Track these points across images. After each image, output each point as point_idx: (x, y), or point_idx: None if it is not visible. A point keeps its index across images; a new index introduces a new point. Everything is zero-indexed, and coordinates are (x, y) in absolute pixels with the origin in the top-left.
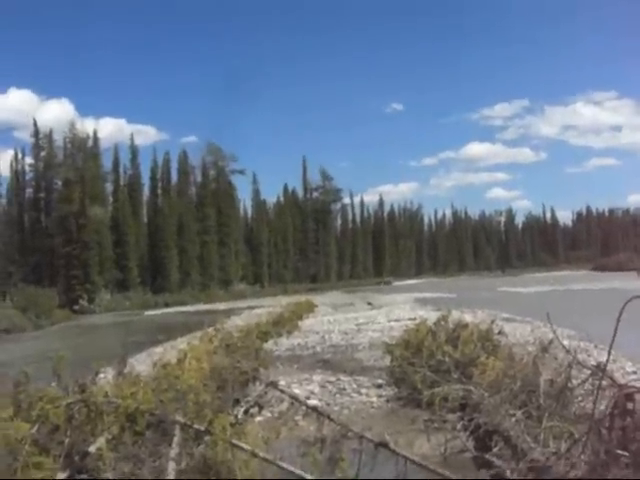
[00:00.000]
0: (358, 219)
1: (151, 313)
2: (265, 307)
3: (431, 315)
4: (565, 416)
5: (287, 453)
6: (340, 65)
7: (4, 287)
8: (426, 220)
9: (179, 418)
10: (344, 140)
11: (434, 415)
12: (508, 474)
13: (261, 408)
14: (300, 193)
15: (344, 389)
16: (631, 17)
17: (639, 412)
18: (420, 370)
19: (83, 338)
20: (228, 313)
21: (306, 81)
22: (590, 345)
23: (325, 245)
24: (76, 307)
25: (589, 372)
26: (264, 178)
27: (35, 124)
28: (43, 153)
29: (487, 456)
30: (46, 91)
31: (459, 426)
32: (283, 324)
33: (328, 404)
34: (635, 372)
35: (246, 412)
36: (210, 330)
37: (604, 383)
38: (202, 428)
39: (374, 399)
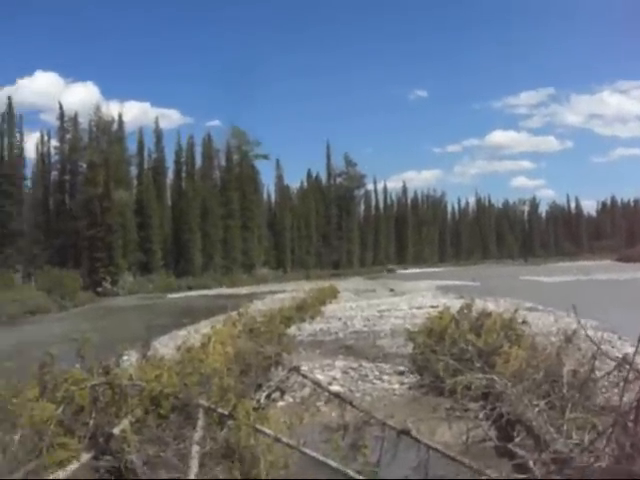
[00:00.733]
0: (381, 205)
1: (174, 296)
2: (287, 292)
3: (454, 303)
4: (589, 407)
5: (310, 439)
6: (365, 52)
7: (29, 269)
8: (449, 208)
9: (203, 402)
10: (368, 126)
11: (456, 403)
12: (531, 464)
13: (283, 393)
14: (324, 179)
15: (366, 375)
16: None
17: None
18: (443, 358)
19: (106, 320)
20: (250, 297)
21: (331, 68)
22: (614, 336)
23: (348, 231)
24: (99, 289)
25: (613, 364)
26: (288, 163)
27: (61, 107)
28: (68, 136)
29: (509, 446)
30: (72, 74)
31: (481, 415)
32: (306, 309)
33: (350, 390)
34: None
35: (268, 397)
36: (234, 314)
37: (631, 376)
38: (226, 412)
39: (396, 386)
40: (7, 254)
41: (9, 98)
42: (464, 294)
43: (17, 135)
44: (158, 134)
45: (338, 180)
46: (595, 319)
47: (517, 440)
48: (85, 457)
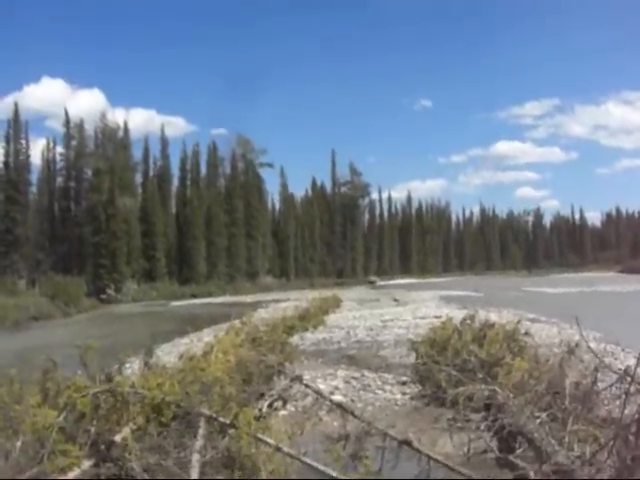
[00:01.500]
0: (386, 215)
1: (177, 304)
2: (291, 301)
3: (457, 313)
4: (590, 420)
5: (311, 448)
6: (370, 62)
7: (33, 275)
8: (454, 218)
9: (204, 410)
10: (373, 136)
11: (458, 414)
12: (532, 476)
13: (285, 402)
14: (328, 187)
15: (368, 385)
16: None
17: None
18: (445, 369)
19: (110, 327)
20: (254, 306)
21: (336, 78)
22: (617, 348)
23: (352, 240)
24: (103, 296)
25: (615, 376)
26: (292, 172)
27: (66, 113)
28: (74, 142)
29: (510, 457)
30: (78, 81)
31: (483, 426)
32: (309, 319)
33: (352, 400)
34: None
35: (270, 406)
36: (236, 323)
37: (632, 389)
38: (227, 421)
39: (398, 396)
40: (12, 260)
41: (15, 104)
42: (467, 304)
43: (23, 141)
44: (163, 142)
45: (343, 189)
46: (598, 331)
47: (518, 452)
48: (86, 464)
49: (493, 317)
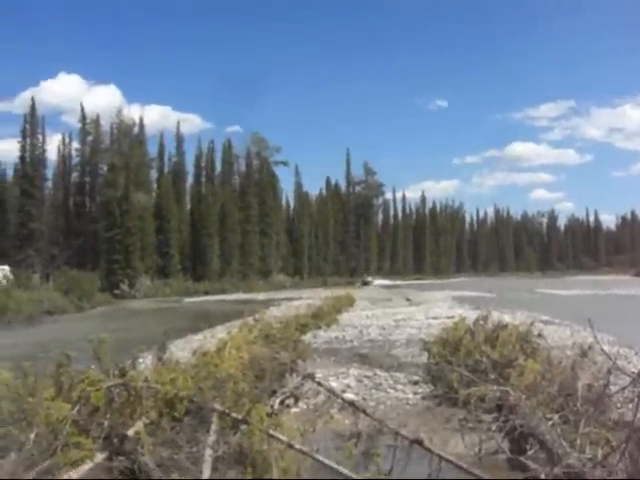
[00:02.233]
0: (400, 215)
1: (190, 300)
2: (304, 299)
3: (469, 314)
4: (603, 422)
5: (322, 446)
6: (386, 62)
7: (47, 269)
8: (467, 218)
9: (217, 406)
10: (387, 135)
11: (469, 415)
12: (543, 478)
13: (297, 400)
14: (343, 186)
15: (380, 384)
16: None
17: None
18: (457, 369)
19: (123, 322)
20: (267, 303)
21: (352, 78)
22: (630, 352)
23: (366, 240)
24: (117, 291)
25: (629, 379)
26: (307, 170)
27: (82, 109)
28: (90, 138)
29: (522, 459)
30: (94, 77)
31: (494, 427)
32: (322, 317)
33: (364, 399)
34: None
35: (282, 403)
36: (249, 320)
37: None
38: (240, 417)
39: (410, 396)
40: (26, 254)
41: (32, 100)
42: (480, 305)
43: (39, 136)
44: (179, 138)
45: (357, 188)
46: (612, 334)
47: (530, 453)
48: (99, 457)
49: (506, 318)
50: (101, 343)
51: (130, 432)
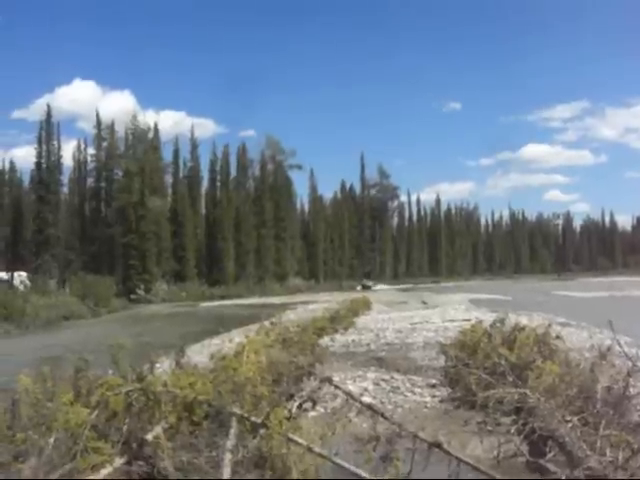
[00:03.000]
0: (414, 217)
1: (206, 305)
2: (320, 303)
3: (486, 317)
4: (623, 425)
5: (341, 449)
6: (399, 64)
7: (64, 275)
8: (482, 221)
9: (236, 410)
10: (402, 138)
11: (488, 418)
12: None
13: (315, 403)
14: (357, 189)
15: (398, 388)
16: None
17: None
18: (475, 372)
19: (140, 327)
20: (283, 307)
21: (365, 80)
22: None
23: (381, 243)
24: (133, 296)
25: None
26: (321, 174)
27: (97, 115)
28: (105, 144)
29: (541, 462)
30: (109, 83)
31: (513, 430)
32: (339, 320)
33: (382, 402)
34: None
35: (300, 407)
36: (267, 324)
37: None
38: (259, 421)
39: (428, 399)
40: (43, 260)
41: (48, 106)
42: (497, 308)
43: (55, 142)
44: (193, 143)
45: (372, 191)
46: (629, 336)
47: (549, 456)
48: (118, 462)
49: (523, 320)
50: (119, 348)
51: (149, 436)
